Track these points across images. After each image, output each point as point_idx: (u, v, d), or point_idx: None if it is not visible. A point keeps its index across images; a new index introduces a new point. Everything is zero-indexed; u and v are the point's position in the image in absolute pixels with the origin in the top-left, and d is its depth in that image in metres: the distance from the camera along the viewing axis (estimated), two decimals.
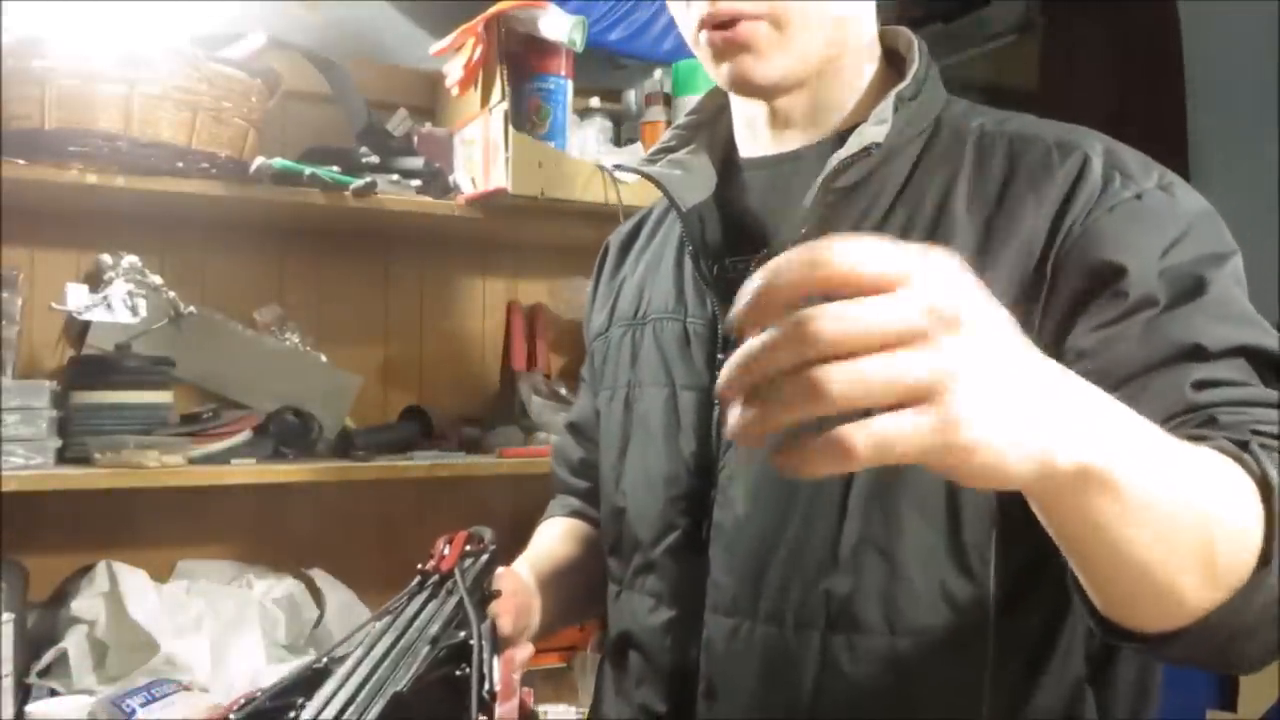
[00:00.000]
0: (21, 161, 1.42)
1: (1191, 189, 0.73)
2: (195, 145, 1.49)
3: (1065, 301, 0.69)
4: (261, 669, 1.57)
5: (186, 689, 1.46)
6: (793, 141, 0.86)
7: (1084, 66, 2.43)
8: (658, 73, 1.92)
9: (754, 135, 0.89)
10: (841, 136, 0.82)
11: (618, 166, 0.93)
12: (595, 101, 1.94)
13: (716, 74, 0.82)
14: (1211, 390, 0.62)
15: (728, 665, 0.78)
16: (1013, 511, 0.68)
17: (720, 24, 0.79)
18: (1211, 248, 0.69)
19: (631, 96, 1.98)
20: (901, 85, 0.80)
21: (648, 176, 0.91)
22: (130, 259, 1.65)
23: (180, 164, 1.49)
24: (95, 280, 1.66)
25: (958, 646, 0.71)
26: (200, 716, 1.37)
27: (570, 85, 1.71)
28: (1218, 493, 0.52)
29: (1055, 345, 0.69)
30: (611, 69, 2.01)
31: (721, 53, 0.80)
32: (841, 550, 0.73)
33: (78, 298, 1.62)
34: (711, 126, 0.94)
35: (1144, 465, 0.48)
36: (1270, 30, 2.25)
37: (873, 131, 0.78)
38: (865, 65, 0.85)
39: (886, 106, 0.79)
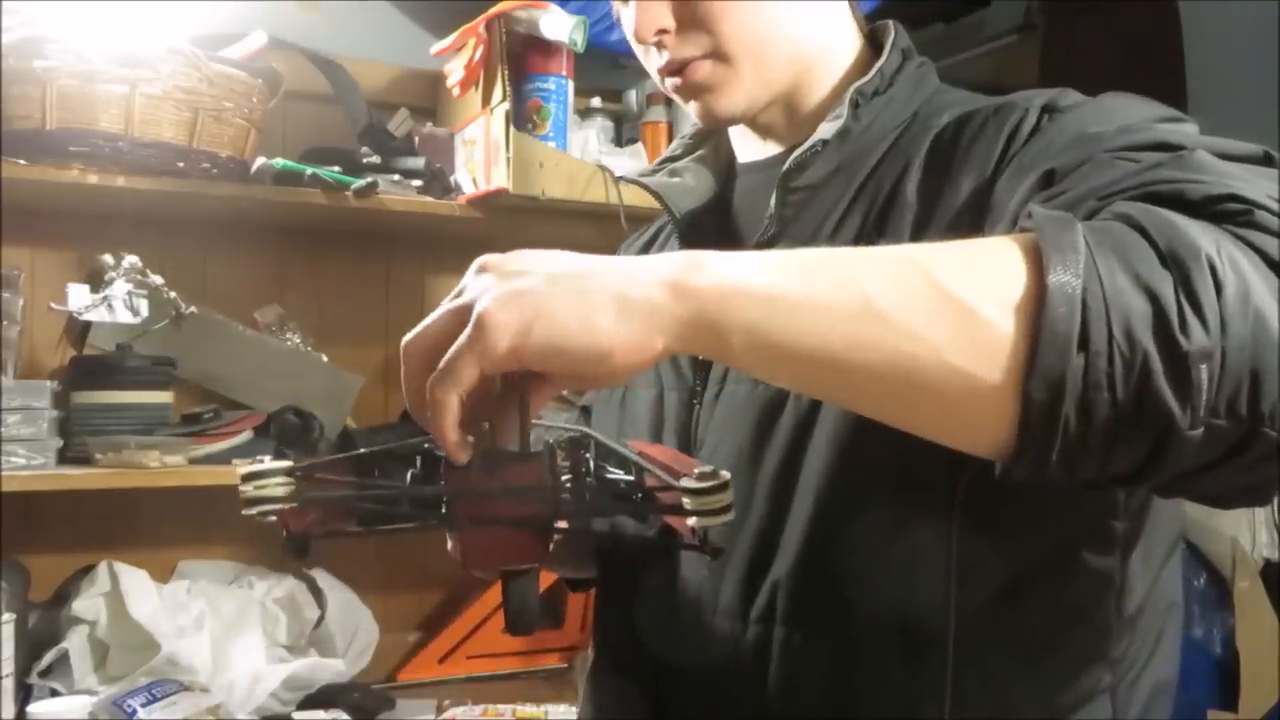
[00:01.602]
0: (22, 161, 1.43)
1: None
2: (196, 145, 1.49)
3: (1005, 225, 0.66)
4: (262, 669, 1.57)
5: (187, 689, 1.46)
6: (777, 145, 0.86)
7: (1084, 67, 2.43)
8: None
9: (745, 143, 0.90)
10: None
11: (620, 178, 0.94)
12: (596, 101, 1.94)
13: (689, 112, 0.84)
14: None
15: (695, 661, 0.78)
16: (971, 504, 0.67)
17: (674, 70, 0.81)
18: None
19: (633, 96, 1.98)
20: (862, 81, 0.79)
21: (644, 187, 0.91)
22: (131, 259, 1.65)
23: (181, 164, 1.49)
24: (96, 280, 1.66)
25: (915, 643, 0.69)
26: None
27: (571, 85, 1.71)
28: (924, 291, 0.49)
29: None
30: (612, 69, 2.01)
31: (683, 96, 0.82)
32: (791, 543, 0.72)
33: (79, 298, 1.62)
34: (718, 133, 0.94)
35: (771, 304, 0.51)
36: (1270, 30, 2.25)
37: (825, 128, 0.78)
38: (842, 66, 0.84)
39: (843, 103, 0.79)
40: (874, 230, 0.74)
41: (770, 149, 0.87)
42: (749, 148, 0.89)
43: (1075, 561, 0.70)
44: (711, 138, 0.95)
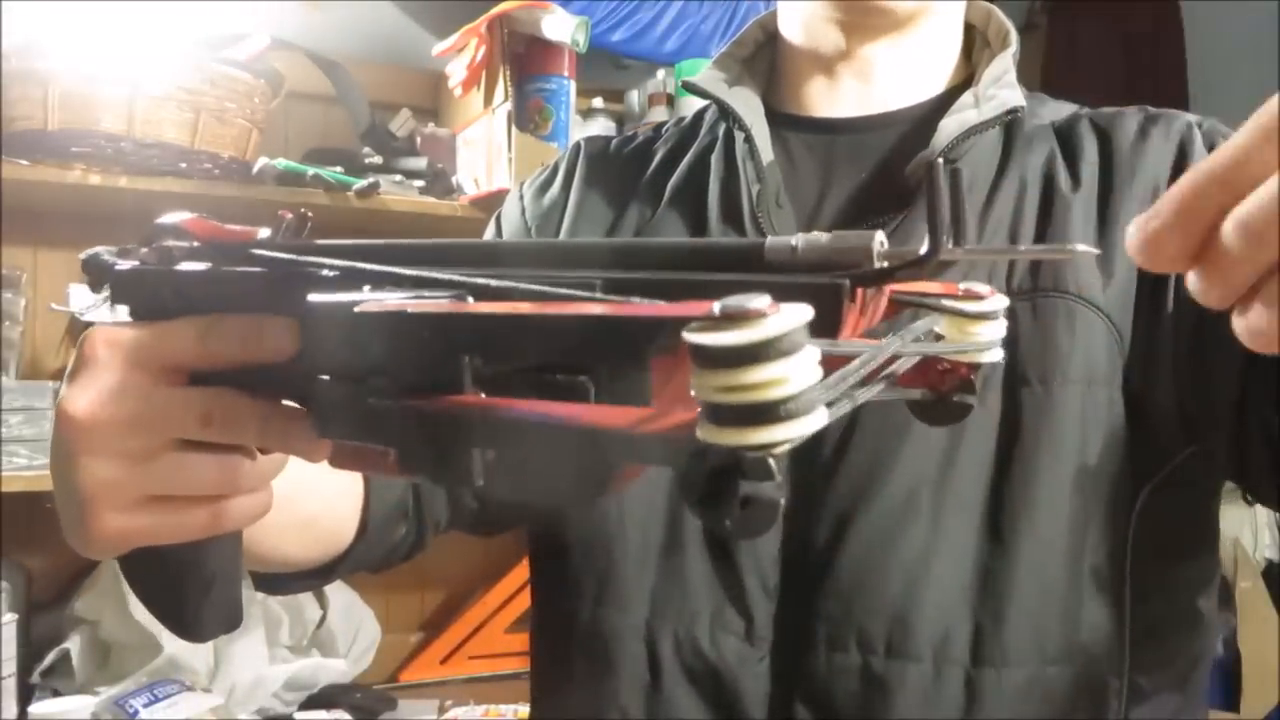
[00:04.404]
0: (25, 162, 1.43)
1: None
2: (198, 146, 1.49)
3: None
4: (264, 669, 1.57)
5: (189, 689, 1.46)
6: (857, 104, 0.77)
7: (1086, 66, 2.43)
8: (661, 73, 1.92)
9: (819, 88, 0.78)
10: (939, 104, 0.74)
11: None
12: (598, 102, 1.94)
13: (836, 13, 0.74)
14: None
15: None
16: (1148, 517, 0.65)
17: None
18: None
19: (634, 97, 1.98)
20: (1013, 49, 0.75)
21: (725, 108, 0.77)
22: None
23: (183, 165, 1.49)
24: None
25: (1092, 667, 0.66)
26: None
27: (573, 86, 1.71)
28: None
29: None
30: (615, 69, 2.01)
31: None
32: (955, 564, 0.67)
33: (80, 298, 1.62)
34: (750, 66, 0.81)
35: None
36: (1270, 30, 2.25)
37: (1009, 95, 0.71)
38: (958, 33, 0.78)
39: (1008, 69, 0.73)
40: (1037, 217, 0.69)
41: (858, 106, 0.76)
42: (822, 98, 0.78)
43: (1207, 601, 0.71)
44: (747, 70, 0.81)
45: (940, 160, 0.30)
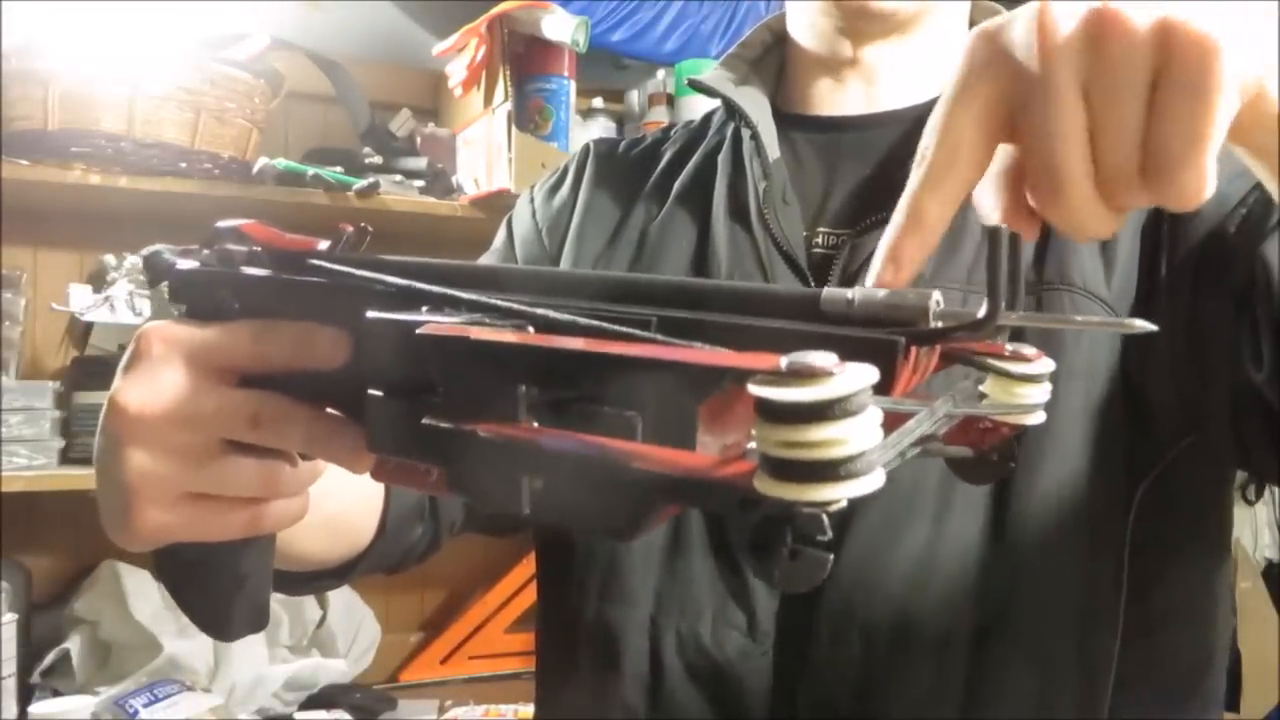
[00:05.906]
0: (25, 162, 1.43)
1: None
2: (198, 146, 1.49)
3: (1195, 247, 0.65)
4: (264, 669, 1.57)
5: (189, 689, 1.46)
6: (863, 101, 0.78)
7: None
8: (660, 73, 1.92)
9: (825, 90, 0.79)
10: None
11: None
12: (598, 102, 1.94)
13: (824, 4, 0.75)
14: None
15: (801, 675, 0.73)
16: (1144, 517, 0.65)
17: None
18: None
19: (634, 97, 1.98)
20: None
21: (730, 104, 0.78)
22: (133, 259, 1.65)
23: (183, 164, 1.49)
24: (98, 281, 1.66)
25: (1087, 661, 0.66)
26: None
27: (573, 86, 1.71)
28: None
29: (1190, 275, 0.64)
30: (615, 69, 2.01)
31: None
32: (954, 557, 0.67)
33: (81, 298, 1.62)
34: (758, 67, 0.82)
35: None
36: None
37: None
38: (963, 32, 0.77)
39: None
40: None
41: (862, 105, 0.77)
42: (827, 97, 0.78)
43: (1211, 599, 0.71)
44: (754, 71, 0.82)
45: (1004, 226, 0.30)
